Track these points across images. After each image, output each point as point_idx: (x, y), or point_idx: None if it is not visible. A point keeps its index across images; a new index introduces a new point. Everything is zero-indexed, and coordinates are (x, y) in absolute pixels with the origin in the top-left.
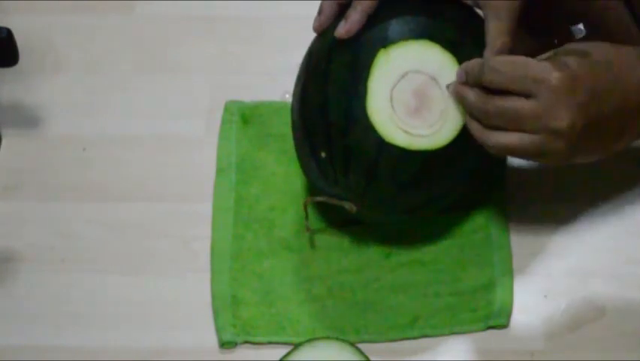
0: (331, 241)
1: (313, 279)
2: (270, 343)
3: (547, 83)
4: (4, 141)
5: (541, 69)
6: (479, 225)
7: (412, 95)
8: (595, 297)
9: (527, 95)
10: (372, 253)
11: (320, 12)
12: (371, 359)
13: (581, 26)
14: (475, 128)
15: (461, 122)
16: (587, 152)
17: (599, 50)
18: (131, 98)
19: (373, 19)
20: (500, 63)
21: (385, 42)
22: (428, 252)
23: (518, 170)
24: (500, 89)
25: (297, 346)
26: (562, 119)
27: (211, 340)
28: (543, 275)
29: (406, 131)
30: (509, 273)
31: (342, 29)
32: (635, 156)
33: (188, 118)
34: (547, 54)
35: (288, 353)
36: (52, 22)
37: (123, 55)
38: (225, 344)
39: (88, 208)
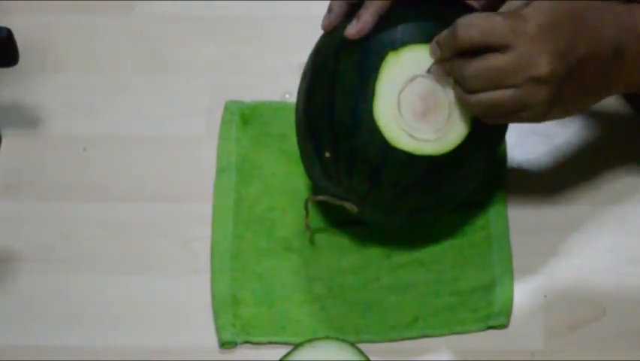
0: (331, 241)
1: (313, 279)
2: (270, 343)
3: (525, 32)
4: (4, 141)
5: (517, 19)
6: (479, 225)
7: (420, 98)
8: (595, 297)
9: (504, 49)
10: (373, 253)
11: (330, 10)
12: (371, 359)
13: None
14: (457, 92)
15: (467, 129)
16: (566, 103)
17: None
18: (131, 98)
19: (384, 22)
20: (473, 17)
21: (395, 45)
22: (428, 252)
23: (519, 170)
24: (475, 49)
25: (297, 346)
26: (542, 66)
27: (211, 340)
28: (543, 275)
29: (411, 136)
30: (509, 273)
31: (354, 29)
32: (636, 156)
33: (188, 118)
34: (518, 3)
35: (288, 353)
36: (52, 22)
37: (123, 55)
38: (225, 344)
39: (88, 208)
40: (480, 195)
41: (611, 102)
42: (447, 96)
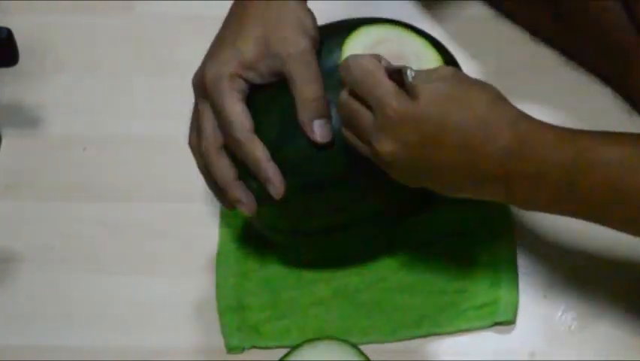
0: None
1: (318, 282)
2: (277, 347)
3: (384, 108)
4: (4, 141)
5: (385, 92)
6: (483, 222)
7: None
8: (595, 297)
9: (369, 107)
10: (376, 254)
11: (238, 201)
12: (375, 359)
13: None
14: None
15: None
16: (427, 186)
17: (463, 103)
18: (131, 98)
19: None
20: (355, 65)
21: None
22: (432, 250)
23: None
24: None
25: (296, 346)
26: (385, 146)
27: (211, 340)
28: (543, 275)
29: None
30: (514, 269)
31: (276, 194)
32: None
33: (188, 118)
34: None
35: (288, 353)
36: (52, 22)
37: (123, 55)
38: (232, 349)
39: (88, 208)
40: None
41: (613, 103)
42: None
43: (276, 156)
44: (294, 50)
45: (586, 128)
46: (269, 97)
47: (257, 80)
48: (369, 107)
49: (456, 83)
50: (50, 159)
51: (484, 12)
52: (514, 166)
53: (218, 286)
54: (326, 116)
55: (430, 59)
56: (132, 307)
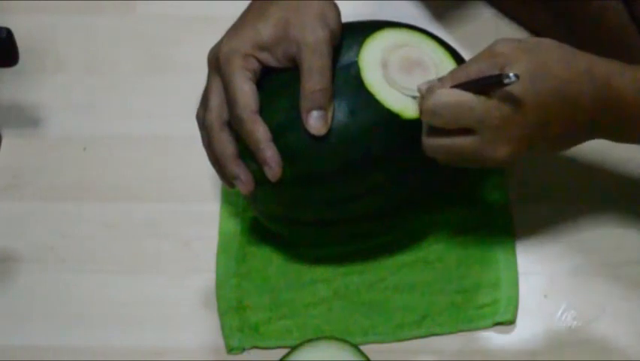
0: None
1: (318, 282)
2: (277, 347)
3: (489, 122)
4: (4, 141)
5: (483, 109)
6: (483, 222)
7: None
8: (595, 297)
9: (470, 132)
10: (376, 253)
11: (236, 178)
12: (375, 359)
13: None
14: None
15: None
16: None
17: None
18: (131, 98)
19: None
20: (439, 106)
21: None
22: (432, 250)
23: (520, 169)
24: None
25: (297, 346)
26: (503, 152)
27: (211, 340)
28: (543, 275)
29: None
30: (514, 269)
31: (273, 178)
32: (636, 156)
33: (188, 118)
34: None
35: (288, 353)
36: (52, 22)
37: (123, 55)
38: (233, 350)
39: (88, 208)
40: (483, 193)
41: None
42: (431, 59)
43: (279, 141)
44: (310, 38)
45: None
46: (282, 82)
47: (271, 62)
48: (460, 132)
49: (528, 62)
50: (50, 159)
51: (484, 12)
52: (602, 107)
53: (218, 286)
54: (324, 108)
55: (448, 68)
56: (132, 307)
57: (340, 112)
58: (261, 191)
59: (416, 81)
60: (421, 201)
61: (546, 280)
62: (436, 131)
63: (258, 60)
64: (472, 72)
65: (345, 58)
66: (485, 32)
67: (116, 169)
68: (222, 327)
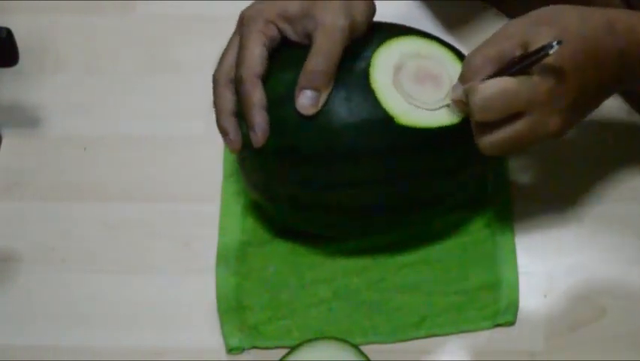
0: (335, 243)
1: (318, 282)
2: (277, 347)
3: (537, 99)
4: (4, 141)
5: (529, 89)
6: (484, 223)
7: (415, 75)
8: (595, 297)
9: (520, 115)
10: (377, 254)
11: (225, 133)
12: (375, 359)
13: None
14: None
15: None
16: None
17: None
18: (131, 98)
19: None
20: (491, 100)
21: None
22: (433, 251)
23: (520, 170)
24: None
25: (296, 346)
26: (555, 125)
27: (211, 340)
28: (543, 275)
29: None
30: (514, 270)
31: (258, 141)
32: (637, 156)
33: (188, 118)
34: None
35: (288, 353)
36: (53, 22)
37: (123, 55)
38: (233, 350)
39: (88, 208)
40: (483, 193)
41: (612, 103)
42: (446, 72)
43: (275, 111)
44: (328, 21)
45: (584, 127)
46: (294, 56)
47: (291, 35)
48: (509, 119)
49: (549, 31)
50: (50, 159)
51: (484, 12)
52: (627, 59)
53: (218, 286)
54: (319, 90)
55: None
56: (132, 307)
57: (336, 99)
58: (248, 155)
59: (426, 93)
60: (407, 209)
61: (546, 280)
62: (485, 128)
63: (279, 29)
64: (493, 57)
65: (361, 51)
66: (486, 32)
67: (116, 169)
68: (222, 327)
